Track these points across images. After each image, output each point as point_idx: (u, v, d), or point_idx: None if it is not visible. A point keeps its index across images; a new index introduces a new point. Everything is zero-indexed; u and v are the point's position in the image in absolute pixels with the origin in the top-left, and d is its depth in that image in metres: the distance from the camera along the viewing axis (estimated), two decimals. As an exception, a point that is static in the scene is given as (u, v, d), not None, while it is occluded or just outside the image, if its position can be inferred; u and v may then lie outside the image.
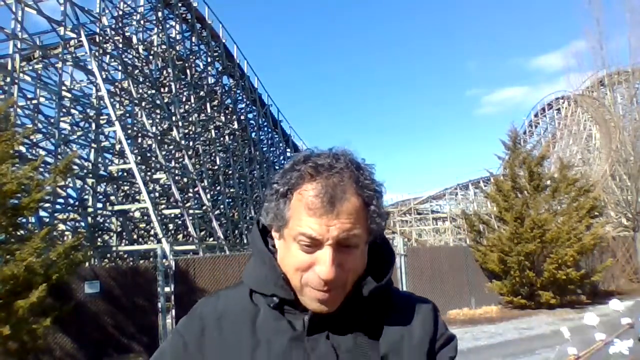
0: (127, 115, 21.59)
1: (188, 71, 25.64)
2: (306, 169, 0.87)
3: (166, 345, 0.98)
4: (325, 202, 0.84)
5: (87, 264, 9.61)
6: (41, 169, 12.75)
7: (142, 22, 23.23)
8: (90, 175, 17.89)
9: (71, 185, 17.29)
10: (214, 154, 27.03)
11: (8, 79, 15.02)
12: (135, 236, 22.44)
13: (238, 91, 31.09)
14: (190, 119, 25.46)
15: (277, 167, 35.13)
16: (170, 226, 23.92)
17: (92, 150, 18.66)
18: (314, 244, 0.85)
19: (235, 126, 29.51)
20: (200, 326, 0.94)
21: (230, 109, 29.96)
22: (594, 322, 0.64)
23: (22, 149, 14.26)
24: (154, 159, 21.17)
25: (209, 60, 28.08)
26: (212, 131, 27.54)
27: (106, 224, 20.75)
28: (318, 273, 0.85)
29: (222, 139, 28.60)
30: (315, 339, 0.89)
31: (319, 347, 0.88)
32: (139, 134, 21.38)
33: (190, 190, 22.84)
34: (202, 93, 26.76)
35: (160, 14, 23.44)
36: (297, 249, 0.86)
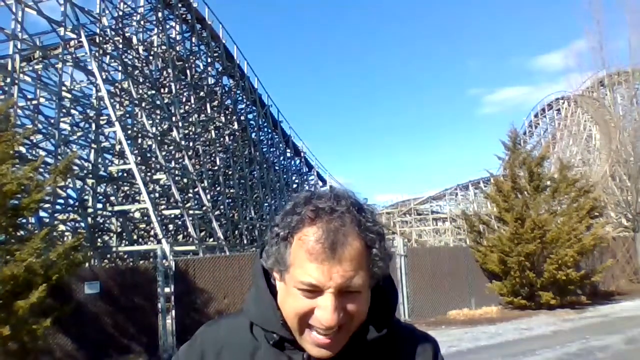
0: (127, 115, 21.60)
1: (188, 72, 25.64)
2: (307, 213, 0.86)
3: None
4: (326, 248, 0.82)
5: (87, 264, 9.61)
6: (41, 170, 12.75)
7: (142, 22, 23.24)
8: (90, 176, 17.89)
9: (71, 185, 17.28)
10: (214, 155, 27.03)
11: (8, 80, 15.02)
12: (135, 237, 22.43)
13: (238, 92, 31.10)
14: (190, 120, 25.47)
15: (277, 168, 35.21)
16: (170, 227, 23.92)
17: (92, 150, 18.66)
18: (316, 290, 0.84)
19: (235, 127, 29.52)
20: (201, 357, 0.95)
21: (230, 110, 29.97)
22: None
23: (22, 149, 14.27)
24: (154, 159, 21.18)
25: (209, 60, 28.09)
26: (212, 132, 27.54)
27: (106, 225, 20.74)
28: (319, 319, 0.83)
29: (222, 139, 28.61)
30: None
31: None
32: (139, 135, 21.38)
33: (190, 190, 22.83)
34: (202, 93, 26.77)
35: (160, 14, 23.45)
36: (298, 294, 0.85)
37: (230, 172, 27.52)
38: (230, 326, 0.99)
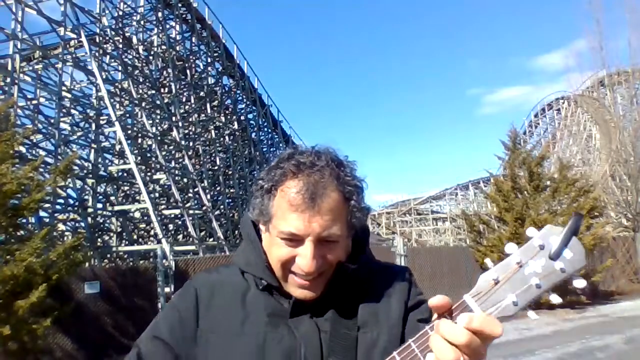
0: (127, 115, 21.59)
1: (188, 71, 25.64)
2: (289, 167, 0.92)
3: (161, 316, 1.02)
4: (306, 199, 0.88)
5: (87, 264, 9.61)
6: (41, 170, 12.75)
7: (142, 22, 23.23)
8: (90, 176, 17.88)
9: (71, 185, 17.27)
10: (214, 155, 27.02)
11: (8, 79, 15.01)
12: (135, 236, 22.42)
13: (238, 91, 31.10)
14: (190, 120, 25.46)
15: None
16: (170, 226, 23.91)
17: (92, 150, 18.65)
18: (296, 239, 0.90)
19: (235, 126, 29.52)
20: (194, 297, 0.99)
21: (230, 110, 29.97)
22: (513, 249, 0.77)
23: (22, 149, 14.25)
24: (154, 159, 21.17)
25: (209, 60, 28.08)
26: (212, 131, 27.54)
27: (106, 225, 20.74)
28: (300, 266, 0.90)
29: (222, 139, 28.60)
30: (299, 319, 0.95)
31: (303, 325, 0.94)
32: (139, 135, 21.37)
33: (190, 190, 22.83)
34: (202, 93, 26.76)
35: (160, 14, 23.44)
36: (281, 243, 0.91)
37: (230, 172, 27.52)
38: (222, 272, 1.06)
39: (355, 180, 0.95)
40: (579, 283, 0.76)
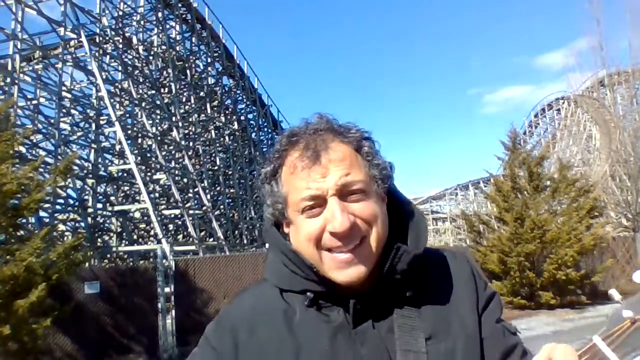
0: (127, 115, 21.60)
1: (188, 72, 25.64)
2: (283, 140, 0.86)
3: (196, 358, 0.87)
4: (310, 156, 0.80)
5: (87, 264, 9.61)
6: (41, 170, 12.74)
7: (142, 22, 23.24)
8: (90, 176, 17.89)
9: (71, 185, 17.27)
10: (214, 155, 27.02)
11: (8, 80, 15.01)
12: (135, 236, 22.43)
13: (238, 91, 31.10)
14: (190, 120, 25.46)
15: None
16: (170, 226, 23.91)
17: (92, 150, 18.66)
18: (318, 204, 0.78)
19: (235, 126, 29.52)
20: (233, 336, 0.84)
21: (230, 110, 29.97)
22: None
23: (22, 149, 14.25)
24: (154, 159, 21.17)
25: (209, 60, 28.09)
26: (212, 132, 27.54)
27: (106, 225, 20.74)
28: (331, 230, 0.76)
29: (222, 139, 28.60)
30: (362, 332, 0.80)
31: (368, 340, 0.79)
32: (139, 135, 21.38)
33: (190, 190, 22.83)
34: (202, 93, 26.77)
35: (160, 14, 23.45)
36: (304, 220, 0.80)
37: (230, 172, 27.51)
38: (257, 298, 0.89)
39: (359, 131, 0.85)
40: None
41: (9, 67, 15.07)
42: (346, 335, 0.80)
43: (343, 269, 0.78)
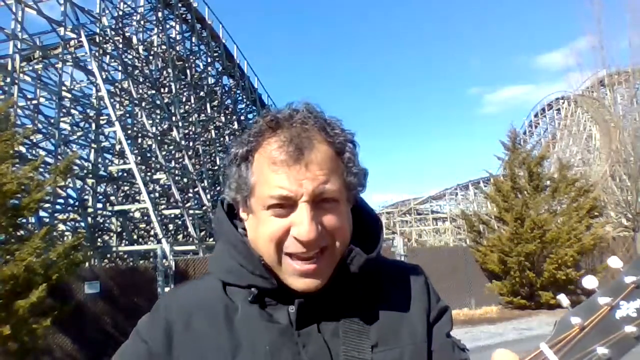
0: (127, 115, 21.59)
1: (188, 71, 25.64)
2: (264, 122, 0.78)
3: (126, 352, 0.83)
4: (291, 152, 0.73)
5: (87, 264, 9.62)
6: (41, 169, 12.73)
7: (142, 22, 23.23)
8: (90, 176, 17.88)
9: (71, 185, 17.28)
10: (214, 155, 27.03)
11: (8, 79, 15.01)
12: (135, 236, 22.42)
13: (238, 91, 31.11)
14: (190, 119, 25.46)
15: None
16: (170, 226, 23.90)
17: (92, 150, 18.66)
18: (288, 205, 0.73)
19: (236, 126, 29.52)
20: (167, 329, 0.80)
21: (230, 109, 29.98)
22: (594, 284, 0.59)
23: (22, 149, 14.25)
24: (154, 159, 21.17)
25: (209, 60, 28.09)
26: (212, 131, 27.55)
27: (106, 224, 20.74)
28: (297, 236, 0.72)
29: (222, 139, 28.60)
30: (306, 334, 0.76)
31: (311, 343, 0.76)
32: (139, 134, 21.38)
33: (190, 190, 22.83)
34: (202, 93, 26.77)
35: (160, 14, 23.45)
36: (269, 217, 0.74)
37: (230, 172, 27.50)
38: (199, 290, 0.84)
39: (344, 132, 0.79)
40: None
41: (9, 67, 15.07)
42: (288, 336, 0.76)
43: (302, 278, 0.75)
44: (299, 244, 0.73)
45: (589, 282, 0.60)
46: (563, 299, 0.63)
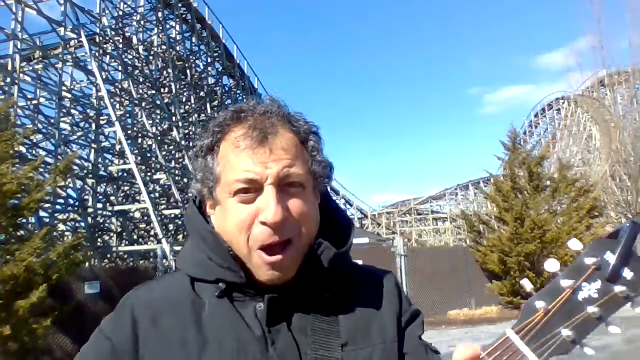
0: (127, 115, 21.60)
1: (188, 71, 25.66)
2: (229, 114, 0.80)
3: (88, 351, 0.83)
4: (255, 137, 0.75)
5: (87, 264, 9.61)
6: (41, 169, 12.74)
7: (142, 22, 23.24)
8: (90, 176, 17.90)
9: (71, 185, 17.28)
10: (214, 154, 27.04)
11: (8, 79, 15.02)
12: (135, 236, 22.43)
13: (238, 91, 31.12)
14: (190, 119, 25.48)
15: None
16: (170, 226, 23.90)
17: (92, 150, 18.67)
18: (253, 189, 0.74)
19: (235, 126, 29.54)
20: (132, 326, 0.78)
21: (230, 110, 30.01)
22: (556, 267, 0.61)
23: (22, 149, 14.25)
24: (154, 159, 21.19)
25: (209, 60, 28.10)
26: (212, 131, 27.56)
27: (106, 224, 20.75)
28: (264, 220, 0.72)
29: (222, 139, 28.63)
30: (274, 330, 0.76)
31: (280, 340, 0.75)
32: (139, 134, 21.39)
33: (190, 190, 22.81)
34: (202, 93, 26.79)
35: (160, 14, 23.46)
36: (236, 204, 0.74)
37: (230, 172, 27.52)
38: (166, 286, 0.84)
39: (308, 123, 0.82)
40: (614, 329, 0.61)
41: (9, 67, 15.08)
42: (257, 332, 0.75)
43: (269, 270, 0.74)
44: (267, 230, 0.73)
45: (551, 265, 0.61)
46: (526, 283, 0.64)
